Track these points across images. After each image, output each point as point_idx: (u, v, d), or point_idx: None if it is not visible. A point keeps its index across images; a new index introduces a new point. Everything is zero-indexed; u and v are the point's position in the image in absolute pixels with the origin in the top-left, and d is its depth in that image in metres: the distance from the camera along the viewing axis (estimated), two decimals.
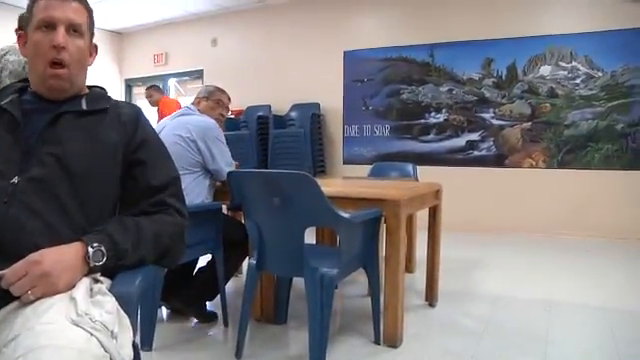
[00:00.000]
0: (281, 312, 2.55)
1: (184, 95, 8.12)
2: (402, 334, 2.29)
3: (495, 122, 5.53)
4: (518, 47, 5.36)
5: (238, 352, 2.11)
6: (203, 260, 2.70)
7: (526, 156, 5.40)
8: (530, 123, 5.37)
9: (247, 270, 2.19)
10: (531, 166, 5.38)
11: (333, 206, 1.92)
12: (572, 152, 5.18)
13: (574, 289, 3.25)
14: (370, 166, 4.44)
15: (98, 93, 1.24)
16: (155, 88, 6.47)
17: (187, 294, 2.58)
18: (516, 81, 5.41)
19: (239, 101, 6.09)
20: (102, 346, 0.86)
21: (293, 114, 6.45)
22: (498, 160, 5.53)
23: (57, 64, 1.10)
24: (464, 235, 4.99)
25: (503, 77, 5.47)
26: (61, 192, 1.05)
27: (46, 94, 1.15)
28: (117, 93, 8.21)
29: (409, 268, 3.49)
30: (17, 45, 1.20)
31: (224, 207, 2.70)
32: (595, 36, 5.02)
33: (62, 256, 0.94)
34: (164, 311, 2.72)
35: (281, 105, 6.56)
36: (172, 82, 8.16)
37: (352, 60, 6.28)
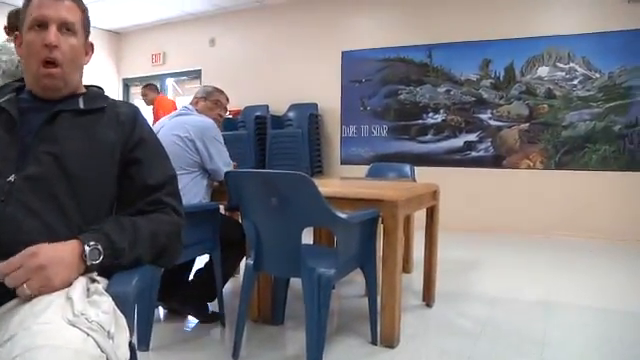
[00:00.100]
0: (278, 312, 2.55)
1: (182, 95, 8.11)
2: (399, 334, 2.29)
3: (493, 123, 5.54)
4: (516, 48, 5.37)
5: (235, 352, 2.10)
6: (201, 261, 2.70)
7: (524, 157, 5.42)
8: (528, 124, 5.38)
9: (244, 270, 2.19)
10: (528, 167, 5.40)
11: (330, 206, 1.91)
12: (569, 153, 5.20)
13: (571, 290, 3.26)
14: (368, 166, 4.44)
15: (95, 92, 1.24)
16: (150, 87, 6.43)
17: (185, 294, 2.57)
18: (514, 82, 5.42)
19: (237, 101, 6.08)
20: (98, 346, 0.86)
21: (291, 114, 6.45)
22: (496, 161, 5.54)
23: (50, 63, 1.10)
24: (461, 236, 5.00)
25: (501, 78, 5.48)
26: (58, 191, 1.05)
27: (41, 94, 1.14)
28: (115, 93, 8.19)
29: (406, 269, 3.49)
30: (8, 44, 1.20)
31: (222, 207, 2.70)
32: (593, 37, 5.03)
33: (59, 253, 0.94)
34: (161, 311, 2.71)
35: (279, 105, 6.56)
36: (170, 82, 8.16)
37: (350, 60, 6.29)
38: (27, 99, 1.15)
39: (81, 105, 1.16)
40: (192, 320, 2.60)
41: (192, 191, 2.46)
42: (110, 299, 0.98)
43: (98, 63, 7.67)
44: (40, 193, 1.03)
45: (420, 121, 5.91)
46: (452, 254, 4.01)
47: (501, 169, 5.52)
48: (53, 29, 1.09)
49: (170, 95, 7.97)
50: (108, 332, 0.90)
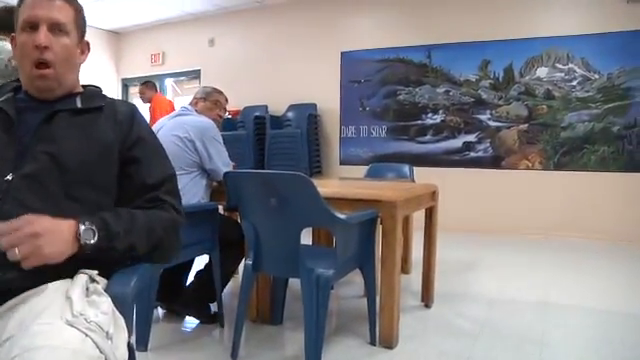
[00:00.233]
0: (277, 313, 2.55)
1: (181, 95, 8.11)
2: (398, 335, 2.29)
3: (492, 124, 5.54)
4: (515, 49, 5.37)
5: (234, 353, 2.11)
6: (200, 262, 2.70)
7: (522, 158, 5.42)
8: (527, 125, 5.38)
9: (243, 271, 2.19)
10: (527, 168, 5.40)
11: (329, 207, 1.91)
12: (568, 154, 5.20)
13: (570, 291, 3.26)
14: (367, 167, 4.45)
15: (93, 91, 1.24)
16: (148, 85, 6.39)
17: (187, 298, 2.57)
18: (513, 83, 5.42)
19: (236, 101, 6.10)
20: (97, 347, 0.86)
21: (290, 114, 6.45)
22: (494, 161, 5.55)
23: (42, 64, 1.10)
24: (460, 236, 5.00)
25: (500, 79, 5.48)
26: (56, 190, 1.05)
27: (36, 94, 1.14)
28: (114, 93, 8.18)
29: (405, 269, 3.49)
30: None
31: (220, 207, 2.70)
32: (592, 38, 5.04)
33: (56, 226, 0.93)
34: (160, 311, 2.71)
35: (278, 105, 6.55)
36: (169, 82, 8.15)
37: (349, 61, 6.29)
38: (24, 99, 1.15)
39: (78, 104, 1.16)
40: (191, 320, 2.60)
41: (191, 191, 2.46)
42: (109, 299, 0.98)
43: (97, 63, 7.67)
44: (37, 192, 1.03)
45: (419, 121, 5.91)
46: (451, 255, 4.01)
47: (500, 170, 5.52)
48: (43, 30, 1.09)
49: (169, 95, 7.96)
50: (107, 333, 0.90)
